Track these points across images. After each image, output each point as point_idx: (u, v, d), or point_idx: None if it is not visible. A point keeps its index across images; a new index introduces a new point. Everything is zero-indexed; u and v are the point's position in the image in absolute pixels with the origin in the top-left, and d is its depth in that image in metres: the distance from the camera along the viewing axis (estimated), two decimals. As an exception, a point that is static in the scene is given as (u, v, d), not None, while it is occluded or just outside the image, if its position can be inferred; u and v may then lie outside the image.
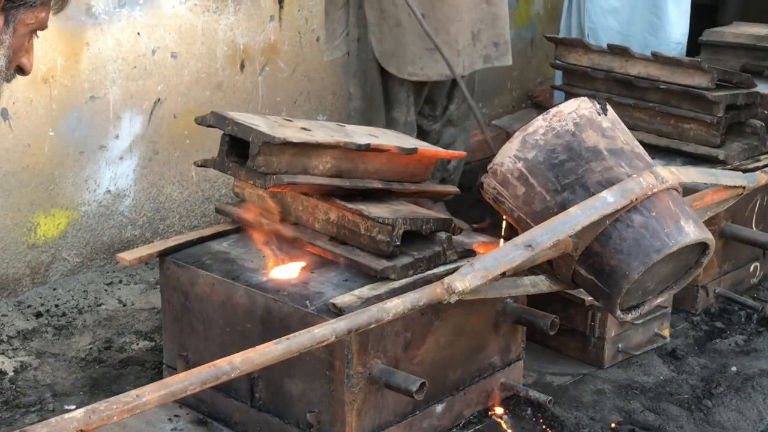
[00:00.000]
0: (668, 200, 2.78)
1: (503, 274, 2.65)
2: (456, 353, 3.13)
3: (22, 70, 2.31)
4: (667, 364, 3.62)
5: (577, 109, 2.87)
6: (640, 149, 2.92)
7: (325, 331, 2.35)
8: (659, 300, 3.00)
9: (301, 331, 2.34)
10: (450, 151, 3.69)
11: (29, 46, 2.30)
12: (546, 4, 5.85)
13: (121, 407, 2.02)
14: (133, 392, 2.06)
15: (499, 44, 4.18)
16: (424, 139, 4.32)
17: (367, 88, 4.11)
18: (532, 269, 3.13)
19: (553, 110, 2.87)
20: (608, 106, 2.93)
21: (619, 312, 2.87)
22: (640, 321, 3.57)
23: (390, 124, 4.13)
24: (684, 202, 2.87)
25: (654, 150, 4.12)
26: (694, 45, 4.95)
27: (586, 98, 2.92)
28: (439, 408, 3.12)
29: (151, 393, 2.08)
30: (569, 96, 4.43)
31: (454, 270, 2.69)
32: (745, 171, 3.74)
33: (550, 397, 3.22)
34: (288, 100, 4.70)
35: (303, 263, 3.09)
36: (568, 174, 2.79)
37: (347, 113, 4.29)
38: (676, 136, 4.15)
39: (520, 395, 3.28)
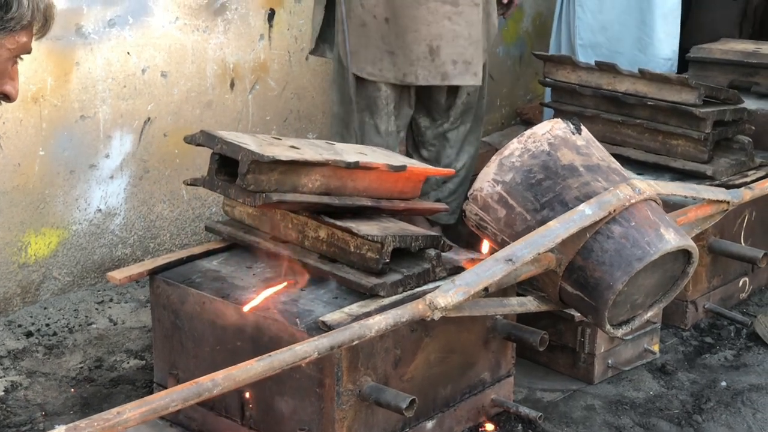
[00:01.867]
0: (647, 210, 2.81)
1: (486, 290, 2.66)
2: (446, 370, 3.13)
3: (7, 97, 2.32)
4: (656, 379, 3.63)
5: (551, 129, 2.91)
6: (617, 165, 2.96)
7: (307, 347, 2.36)
8: (649, 314, 3.02)
9: (283, 348, 2.35)
10: (439, 169, 3.70)
11: (13, 72, 2.31)
12: (534, 21, 5.88)
13: (102, 425, 2.02)
14: (114, 410, 2.06)
15: (457, 63, 4.12)
16: (419, 153, 4.33)
17: (346, 92, 4.15)
18: (523, 289, 3.15)
19: (527, 132, 2.92)
20: (582, 126, 2.98)
21: (608, 326, 2.89)
22: (630, 336, 3.59)
23: (370, 130, 4.14)
24: (663, 212, 2.89)
25: (642, 166, 4.16)
26: (681, 61, 4.98)
27: (559, 119, 2.97)
28: (430, 425, 3.12)
29: (132, 410, 2.08)
30: (558, 113, 4.46)
31: (442, 284, 2.70)
32: (732, 187, 3.77)
33: (540, 413, 3.23)
34: (278, 118, 4.72)
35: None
36: (546, 192, 2.83)
37: (329, 119, 4.32)
38: (664, 153, 4.17)
39: (510, 411, 3.29)
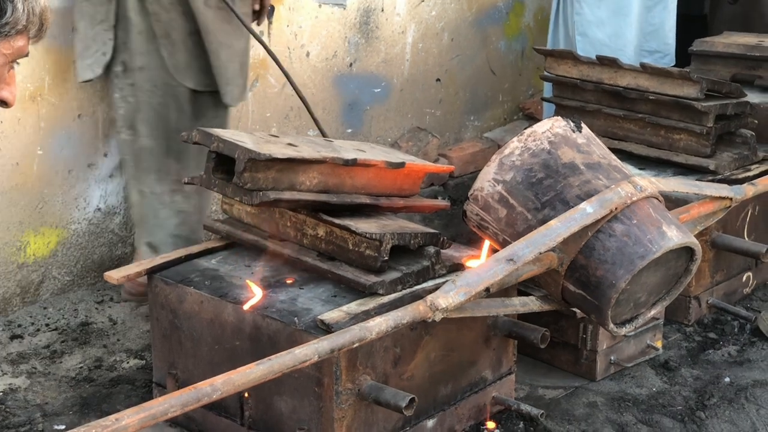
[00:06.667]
0: (649, 208, 2.79)
1: (487, 290, 2.64)
2: (446, 368, 3.11)
3: (4, 103, 2.30)
4: (659, 375, 3.60)
5: (551, 128, 2.90)
6: (618, 162, 2.94)
7: (307, 351, 2.34)
8: (653, 312, 3.00)
9: (283, 352, 2.33)
10: (438, 165, 3.68)
11: (10, 78, 2.28)
12: (536, 16, 5.85)
13: (100, 431, 2.01)
14: (113, 416, 2.05)
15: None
16: None
17: (171, 117, 3.86)
18: (526, 287, 3.12)
19: (527, 131, 2.91)
20: (582, 124, 2.96)
21: (611, 325, 2.87)
22: (633, 333, 3.56)
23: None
24: (665, 209, 2.87)
25: (644, 161, 4.13)
26: (684, 55, 4.95)
27: (559, 117, 2.96)
28: (430, 423, 3.10)
29: (130, 416, 2.06)
30: (559, 108, 4.44)
31: (443, 284, 2.69)
32: (735, 181, 3.74)
33: (543, 411, 3.20)
34: (278, 115, 4.69)
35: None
36: (547, 191, 2.81)
37: (134, 154, 3.91)
38: (666, 147, 4.15)
39: (511, 409, 3.26)
